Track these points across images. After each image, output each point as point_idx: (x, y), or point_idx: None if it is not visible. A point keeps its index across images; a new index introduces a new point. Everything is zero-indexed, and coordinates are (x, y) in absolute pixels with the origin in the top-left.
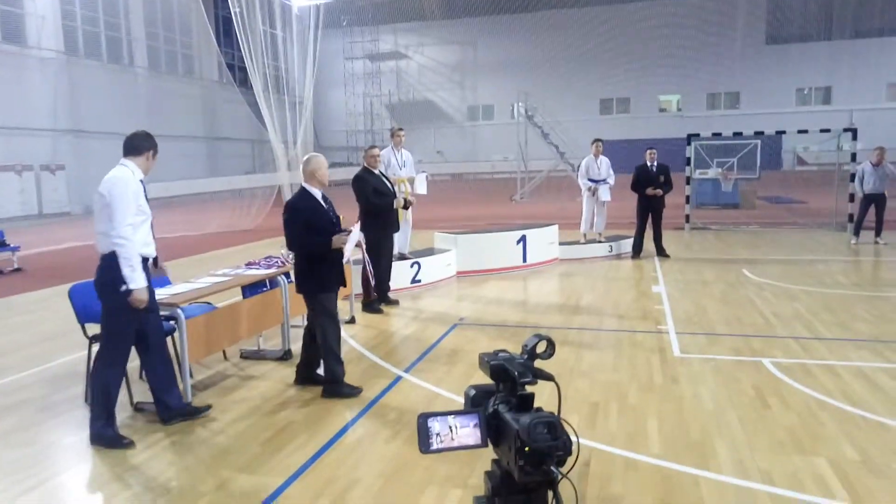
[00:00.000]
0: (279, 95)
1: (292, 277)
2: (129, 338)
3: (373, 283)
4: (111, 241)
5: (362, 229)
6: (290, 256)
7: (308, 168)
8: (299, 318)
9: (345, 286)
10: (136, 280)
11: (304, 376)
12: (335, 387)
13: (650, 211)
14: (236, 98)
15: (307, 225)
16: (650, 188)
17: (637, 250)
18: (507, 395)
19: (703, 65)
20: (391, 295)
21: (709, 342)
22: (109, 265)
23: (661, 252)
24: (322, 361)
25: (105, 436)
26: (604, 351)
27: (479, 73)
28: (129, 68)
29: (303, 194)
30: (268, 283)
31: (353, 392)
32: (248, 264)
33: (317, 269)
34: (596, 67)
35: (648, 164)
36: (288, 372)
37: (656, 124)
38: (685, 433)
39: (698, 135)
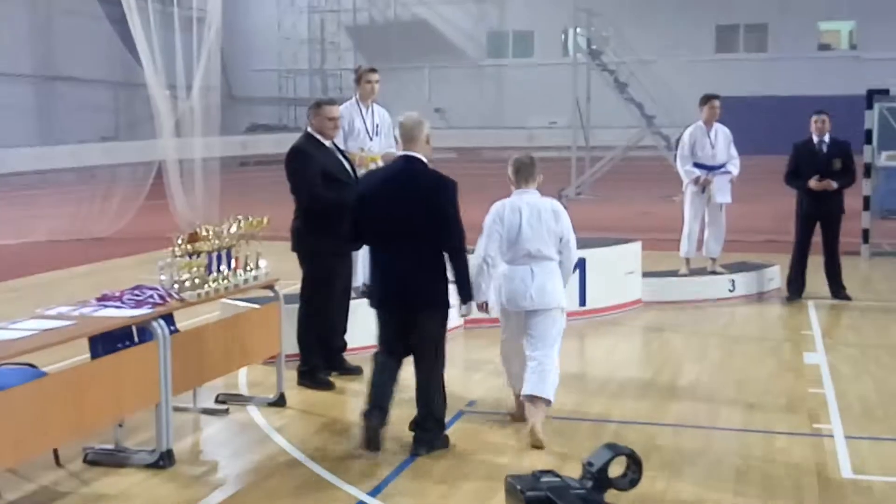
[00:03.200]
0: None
1: (175, 324)
2: None
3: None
4: None
5: (300, 241)
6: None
7: (421, 133)
8: (189, 397)
9: None
10: None
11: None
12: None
13: (818, 220)
14: (88, 9)
15: None
16: (817, 179)
17: (796, 288)
18: None
19: None
20: (348, 357)
21: None
22: None
23: (838, 292)
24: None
25: None
26: (721, 465)
27: None
28: None
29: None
30: (135, 334)
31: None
32: (103, 299)
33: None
34: None
35: (815, 139)
36: (168, 489)
37: (813, 71)
38: None
39: (887, 91)
